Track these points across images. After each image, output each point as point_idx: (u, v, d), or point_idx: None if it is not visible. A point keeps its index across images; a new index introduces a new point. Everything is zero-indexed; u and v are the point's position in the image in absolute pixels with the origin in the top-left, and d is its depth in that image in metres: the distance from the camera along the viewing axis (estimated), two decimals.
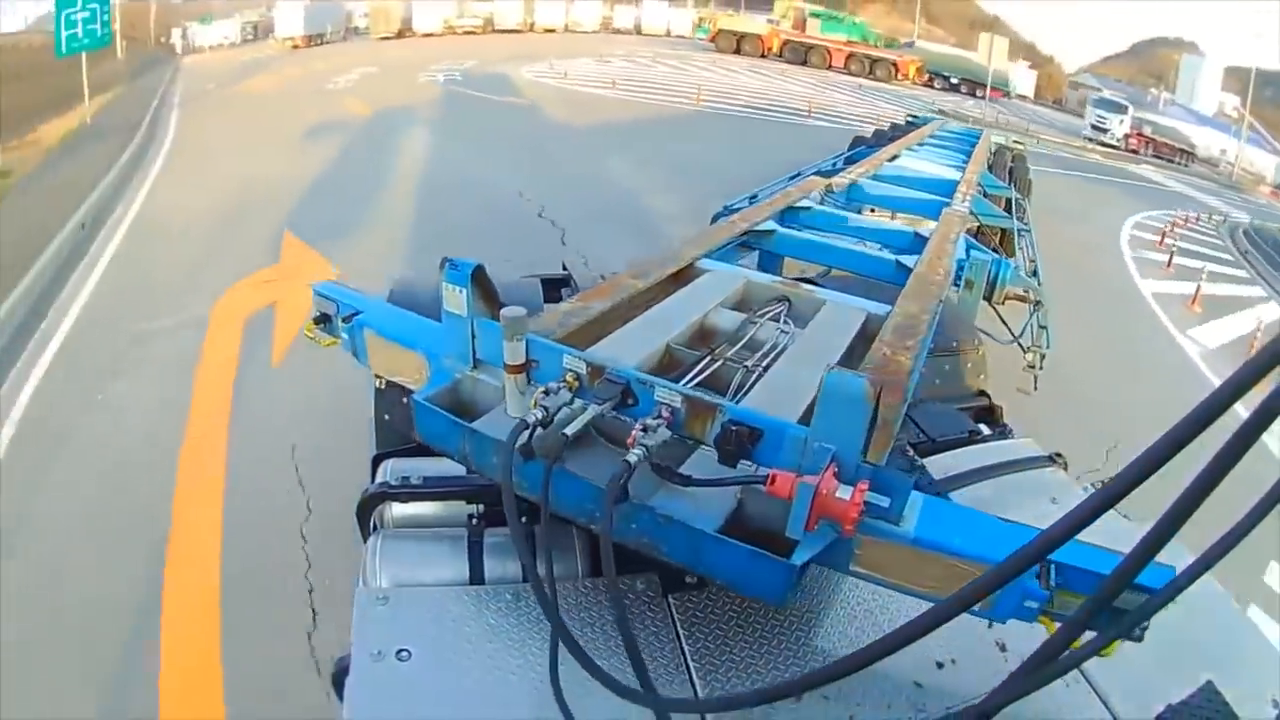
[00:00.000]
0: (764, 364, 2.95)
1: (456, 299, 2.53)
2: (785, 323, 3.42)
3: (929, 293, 4.09)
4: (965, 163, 10.12)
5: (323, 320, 3.10)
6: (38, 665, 4.69)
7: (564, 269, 5.32)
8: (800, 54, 40.36)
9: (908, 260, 4.93)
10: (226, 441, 6.88)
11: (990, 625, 2.31)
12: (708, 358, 2.89)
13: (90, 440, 6.93)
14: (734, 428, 2.15)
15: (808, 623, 2.48)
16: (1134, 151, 31.70)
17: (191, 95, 24.33)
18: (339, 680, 2.35)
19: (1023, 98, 41.31)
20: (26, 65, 20.07)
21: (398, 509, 2.80)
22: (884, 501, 1.97)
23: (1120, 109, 33.04)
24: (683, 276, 3.80)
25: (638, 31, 48.30)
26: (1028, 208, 10.64)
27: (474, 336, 2.58)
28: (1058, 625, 1.91)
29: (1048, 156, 25.67)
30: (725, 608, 2.48)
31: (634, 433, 2.13)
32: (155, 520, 5.88)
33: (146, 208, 13.44)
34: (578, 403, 2.31)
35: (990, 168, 10.74)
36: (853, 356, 3.21)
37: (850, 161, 9.59)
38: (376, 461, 3.15)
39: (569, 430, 2.15)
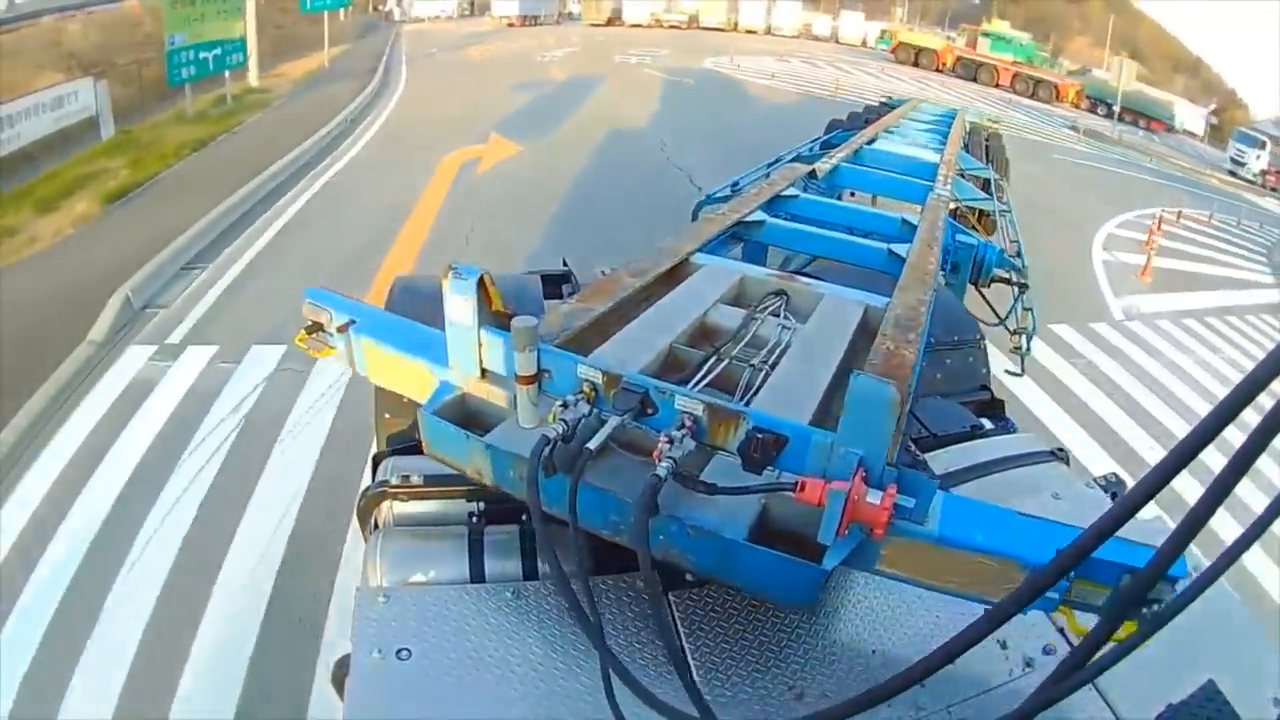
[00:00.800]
0: (769, 362, 3.00)
1: (462, 308, 2.46)
2: (785, 318, 3.47)
3: (924, 283, 4.23)
4: (943, 144, 10.45)
5: (315, 329, 2.91)
6: (347, 235, 11.23)
7: (564, 264, 5.46)
8: (971, 70, 43.13)
9: (900, 249, 5.07)
10: (446, 194, 13.50)
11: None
12: (713, 358, 2.94)
13: (364, 194, 13.63)
14: (759, 435, 2.17)
15: (808, 619, 2.50)
16: (1270, 188, 31.61)
17: (416, 55, 31.27)
18: (339, 679, 2.37)
19: (1190, 134, 41.08)
20: None
21: (398, 507, 2.85)
22: (909, 502, 2.02)
23: (1259, 144, 33.00)
24: (679, 273, 3.85)
25: (835, 40, 51.24)
26: (1006, 187, 10.91)
27: (481, 346, 2.54)
28: (1076, 614, 2.11)
29: (1156, 171, 28.23)
30: (725, 605, 2.49)
31: (659, 445, 2.13)
32: (400, 215, 12.51)
33: (390, 118, 20.11)
34: (593, 413, 2.33)
35: (966, 148, 11.18)
36: (856, 351, 3.26)
37: (827, 146, 9.74)
38: (377, 460, 3.18)
39: (592, 444, 2.17)
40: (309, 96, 21.54)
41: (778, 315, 3.48)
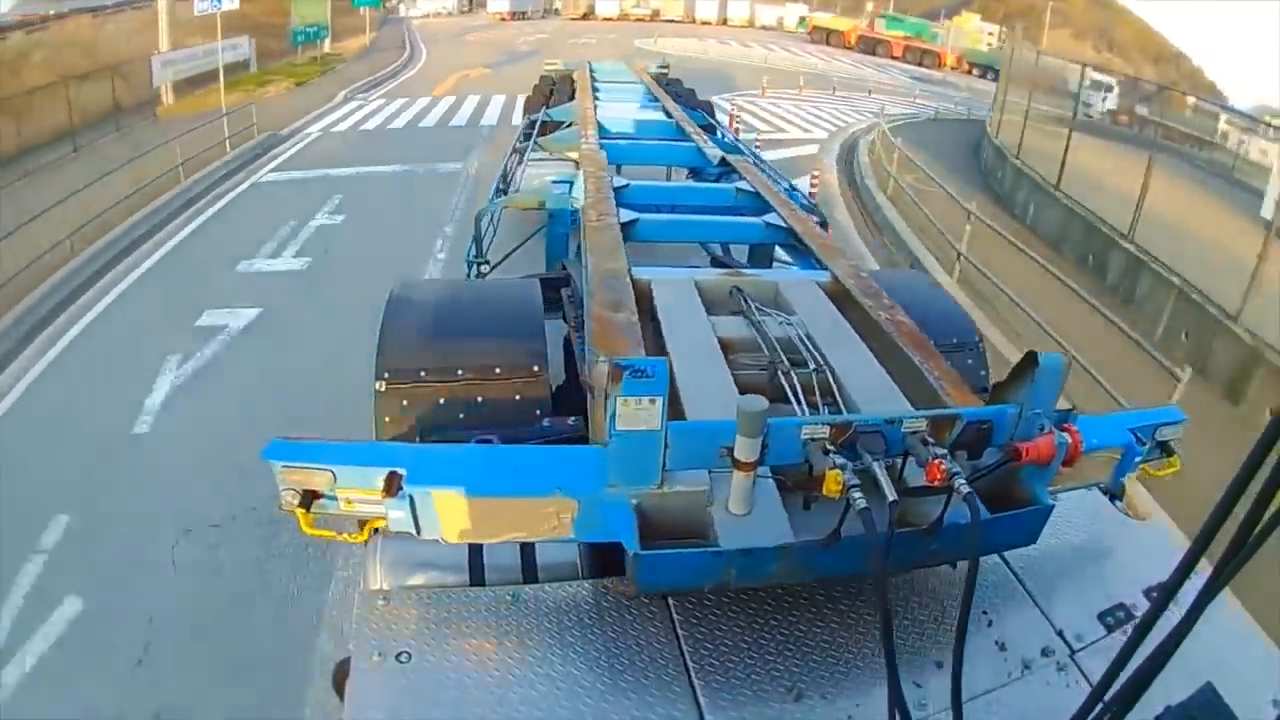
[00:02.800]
0: (816, 359, 3.34)
1: (646, 413, 2.25)
2: (776, 313, 3.79)
3: (836, 249, 4.72)
4: (651, 101, 11.47)
5: (311, 500, 2.37)
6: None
7: (563, 268, 5.61)
8: (870, 46, 54.64)
9: (773, 219, 5.50)
10: (455, 82, 30.35)
11: (990, 625, 2.59)
12: (778, 373, 3.22)
13: (419, 83, 30.14)
14: (978, 426, 2.51)
15: (807, 621, 2.58)
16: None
17: (429, 39, 46.80)
18: (339, 681, 2.45)
19: None
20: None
21: None
22: None
23: (1107, 88, 38.39)
24: (642, 294, 3.95)
25: (780, 27, 62.31)
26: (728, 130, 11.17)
27: (667, 448, 2.36)
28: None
29: (961, 100, 37.79)
30: (724, 607, 2.57)
31: (943, 469, 2.25)
32: (434, 85, 29.10)
33: (422, 69, 36.00)
34: (849, 467, 2.29)
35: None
36: (869, 329, 3.70)
37: (546, 125, 9.90)
38: None
39: (890, 497, 2.20)
40: (369, 58, 37.39)
41: (766, 313, 3.79)
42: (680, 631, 2.49)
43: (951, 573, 2.77)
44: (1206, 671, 1.91)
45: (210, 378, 9.31)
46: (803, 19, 62.16)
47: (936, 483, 2.26)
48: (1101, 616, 2.66)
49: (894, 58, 53.40)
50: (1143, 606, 2.68)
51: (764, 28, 63.50)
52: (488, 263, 6.66)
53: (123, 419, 8.43)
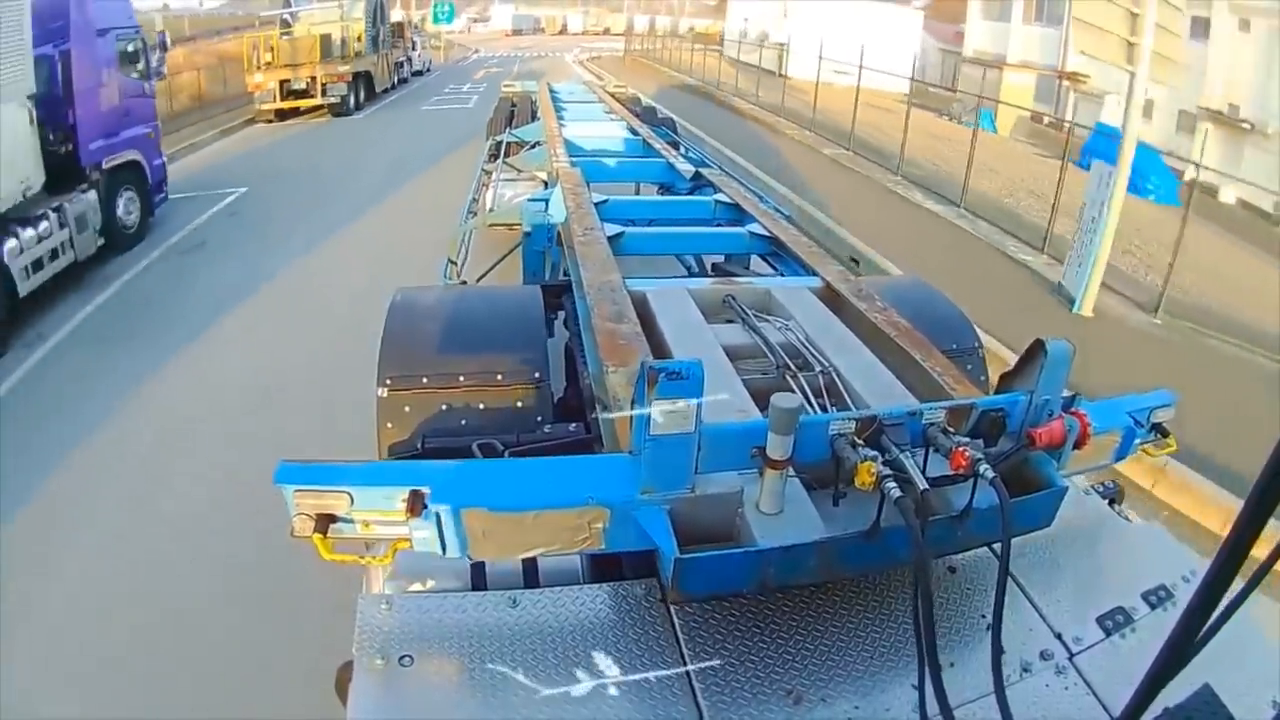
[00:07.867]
0: (820, 362, 3.65)
1: (681, 415, 2.43)
2: (774, 319, 4.09)
3: (820, 254, 5.06)
4: (614, 118, 12.61)
5: (327, 524, 2.51)
6: None
7: (564, 275, 5.97)
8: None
9: (757, 229, 5.94)
10: (505, 49, 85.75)
11: (988, 629, 2.60)
12: (785, 377, 3.52)
13: (489, 53, 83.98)
14: (993, 414, 2.78)
15: (808, 626, 2.70)
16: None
17: (475, 42, 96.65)
18: (342, 685, 2.59)
19: None
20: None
21: None
22: None
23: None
24: (638, 305, 4.19)
25: (688, 34, 77.26)
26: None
27: (700, 450, 2.55)
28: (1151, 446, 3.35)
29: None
30: (724, 611, 2.69)
31: (967, 456, 2.47)
32: (500, 51, 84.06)
33: (487, 49, 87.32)
34: (879, 459, 2.51)
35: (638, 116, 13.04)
36: (866, 331, 4.02)
37: (511, 145, 10.87)
38: None
39: (921, 486, 2.41)
40: (458, 49, 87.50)
41: (763, 319, 4.11)
42: (680, 635, 2.60)
43: (949, 575, 2.92)
44: (1204, 671, 1.88)
45: (486, 67, 63.12)
46: (692, 28, 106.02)
47: (961, 470, 2.48)
48: (1100, 620, 2.78)
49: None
50: (1141, 610, 2.83)
51: (680, 36, 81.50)
52: (464, 283, 6.93)
53: (471, 68, 62.33)
